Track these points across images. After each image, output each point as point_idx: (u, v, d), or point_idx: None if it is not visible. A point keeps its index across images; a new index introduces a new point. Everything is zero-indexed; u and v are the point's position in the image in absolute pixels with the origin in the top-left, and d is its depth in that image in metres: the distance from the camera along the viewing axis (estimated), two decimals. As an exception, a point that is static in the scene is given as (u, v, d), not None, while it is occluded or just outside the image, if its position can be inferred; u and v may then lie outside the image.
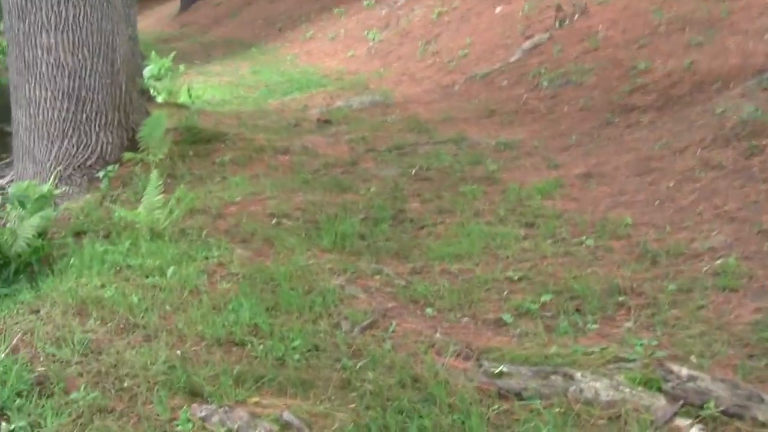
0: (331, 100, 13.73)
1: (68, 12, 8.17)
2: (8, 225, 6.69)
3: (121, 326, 4.81)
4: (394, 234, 6.42)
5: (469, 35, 15.09)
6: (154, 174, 6.64)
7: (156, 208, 6.45)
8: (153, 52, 21.84)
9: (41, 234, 6.70)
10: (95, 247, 6.09)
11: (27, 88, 8.29)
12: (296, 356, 4.43)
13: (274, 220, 6.72)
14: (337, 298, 5.12)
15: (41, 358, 4.48)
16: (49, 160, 8.27)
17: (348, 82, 15.45)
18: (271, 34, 25.67)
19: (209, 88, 17.19)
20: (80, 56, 8.25)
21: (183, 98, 14.13)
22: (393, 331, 4.70)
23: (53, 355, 4.49)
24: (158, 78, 19.72)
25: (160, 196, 6.49)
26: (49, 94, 8.22)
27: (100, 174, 8.12)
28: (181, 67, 21.08)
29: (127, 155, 8.25)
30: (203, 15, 37.22)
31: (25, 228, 6.18)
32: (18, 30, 8.30)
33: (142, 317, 4.89)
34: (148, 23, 41.71)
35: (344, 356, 4.42)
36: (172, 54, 21.34)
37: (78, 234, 6.87)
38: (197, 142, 8.96)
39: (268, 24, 27.57)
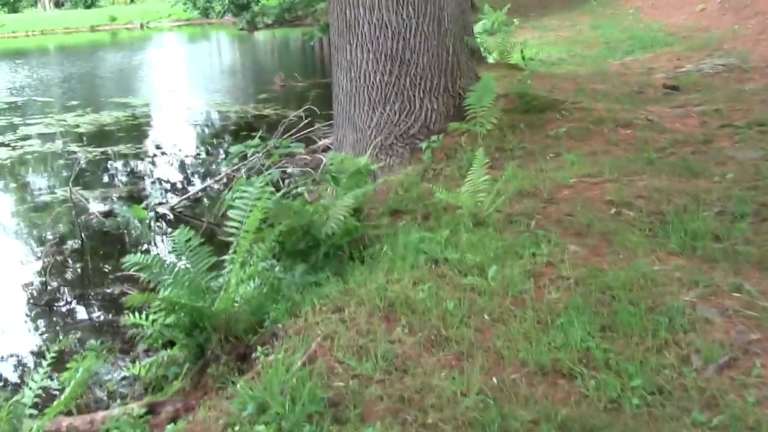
0: (678, 62, 12.56)
1: (393, -33, 7.66)
2: (322, 201, 6.25)
3: (432, 338, 4.17)
4: (756, 236, 5.33)
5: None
6: (480, 152, 5.95)
7: (480, 191, 5.78)
8: (486, 5, 21.48)
9: (356, 212, 6.25)
10: (411, 234, 5.51)
11: (348, 49, 7.87)
12: (635, 400, 3.59)
13: (612, 210, 5.84)
14: (687, 321, 4.19)
15: (339, 371, 3.94)
16: (369, 127, 7.84)
17: (697, 41, 14.18)
18: (613, -15, 24.49)
19: (545, 44, 16.47)
20: (404, 15, 7.72)
21: (516, 58, 13.41)
22: (757, 375, 3.75)
23: (353, 369, 3.93)
24: (491, 33, 19.30)
25: (486, 176, 5.80)
26: (370, 56, 7.76)
27: (423, 145, 7.57)
28: (516, 21, 20.57)
29: (453, 125, 7.65)
30: (542, -37, 36.42)
31: (338, 208, 5.68)
32: (339, -14, 7.88)
33: (456, 329, 4.23)
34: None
35: (695, 406, 3.53)
36: (506, 7, 20.88)
37: (395, 213, 6.38)
38: (530, 111, 8.20)
39: (610, -26, 26.37)
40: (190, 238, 5.49)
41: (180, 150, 14.83)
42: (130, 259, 5.21)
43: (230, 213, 5.43)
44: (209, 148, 15.01)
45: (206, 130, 16.84)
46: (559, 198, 6.14)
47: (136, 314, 5.36)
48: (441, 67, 7.92)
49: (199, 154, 14.59)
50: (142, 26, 57.47)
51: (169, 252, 5.45)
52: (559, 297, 4.47)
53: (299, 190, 6.74)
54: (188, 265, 5.34)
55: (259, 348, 4.40)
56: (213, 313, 4.95)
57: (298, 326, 4.53)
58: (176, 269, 5.17)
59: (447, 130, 7.71)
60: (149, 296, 4.95)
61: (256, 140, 7.84)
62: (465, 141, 7.55)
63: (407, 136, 7.79)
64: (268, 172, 6.21)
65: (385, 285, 4.72)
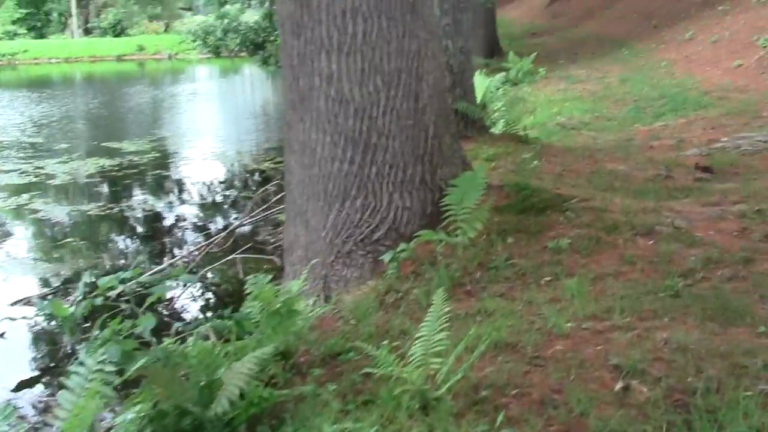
0: (713, 133, 10.95)
1: (356, 27, 6.10)
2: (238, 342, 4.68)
3: None
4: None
5: None
6: (438, 296, 4.32)
7: (435, 354, 4.15)
8: (511, 53, 20.45)
9: (284, 357, 4.71)
10: (328, 426, 3.89)
11: (300, 128, 6.33)
12: None
13: (619, 384, 4.17)
14: None
15: None
16: (324, 227, 6.29)
17: (735, 105, 12.64)
18: (645, 32, 23.19)
19: (568, 100, 15.03)
20: (371, 88, 6.17)
21: (528, 123, 11.76)
22: None
23: None
24: (515, 83, 17.99)
25: (443, 334, 4.17)
26: (327, 138, 6.21)
27: (388, 256, 5.97)
28: (541, 71, 19.59)
29: (425, 235, 6.02)
30: (576, 5, 35.71)
31: (237, 370, 4.07)
32: (292, 50, 6.34)
33: None
34: (519, 13, 40.59)
35: None
36: (533, 54, 19.76)
37: (332, 361, 4.79)
38: (527, 210, 6.60)
39: (643, 19, 25.21)
40: None
41: (144, 217, 13.16)
42: None
43: (56, 409, 3.81)
44: (178, 216, 13.39)
45: (184, 192, 15.25)
46: (548, 357, 4.51)
47: None
48: (417, 154, 6.35)
49: (160, 226, 12.87)
50: (170, 57, 56.46)
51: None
52: None
53: (202, 329, 5.02)
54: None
55: None
56: None
57: None
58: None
59: (419, 238, 6.12)
60: None
61: (130, 272, 5.99)
62: (441, 252, 5.96)
63: (370, 242, 6.22)
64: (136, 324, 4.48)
65: None
